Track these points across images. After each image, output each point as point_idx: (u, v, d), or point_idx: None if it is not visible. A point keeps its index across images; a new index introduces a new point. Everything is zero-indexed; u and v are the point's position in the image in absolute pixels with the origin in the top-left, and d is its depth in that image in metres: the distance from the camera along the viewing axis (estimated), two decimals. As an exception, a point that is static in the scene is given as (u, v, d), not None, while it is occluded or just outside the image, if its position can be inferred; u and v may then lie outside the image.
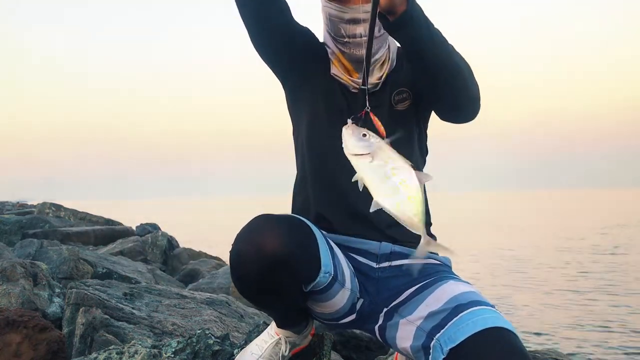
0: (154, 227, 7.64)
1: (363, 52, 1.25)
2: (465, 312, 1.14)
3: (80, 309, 2.05)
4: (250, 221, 1.20)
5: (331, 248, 1.30)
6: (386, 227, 1.38)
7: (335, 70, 1.40)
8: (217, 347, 1.65)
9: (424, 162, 1.51)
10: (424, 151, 1.51)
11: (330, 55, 1.42)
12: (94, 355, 1.53)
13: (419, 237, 1.43)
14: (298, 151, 1.51)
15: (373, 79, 1.37)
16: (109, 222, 8.21)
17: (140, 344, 1.58)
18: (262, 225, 1.18)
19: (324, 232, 1.35)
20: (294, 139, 1.54)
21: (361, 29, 1.29)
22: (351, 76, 1.39)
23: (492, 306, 1.17)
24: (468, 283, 1.31)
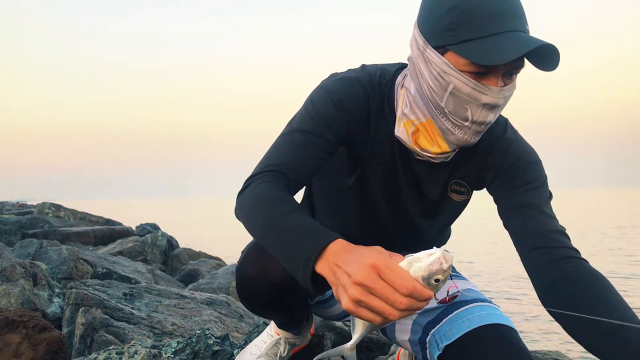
0: (154, 227, 7.65)
1: (473, 139, 1.05)
2: (461, 308, 1.13)
3: (80, 309, 2.05)
4: (256, 243, 1.17)
5: None
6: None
7: (402, 133, 1.13)
8: (217, 347, 1.65)
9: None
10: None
11: (402, 116, 1.12)
12: (93, 355, 1.53)
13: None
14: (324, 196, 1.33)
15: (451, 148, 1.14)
16: (108, 222, 8.21)
17: (140, 344, 1.58)
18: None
19: None
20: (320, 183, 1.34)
21: (492, 117, 1.01)
22: (422, 145, 1.12)
23: (490, 302, 1.16)
24: (465, 279, 1.31)
